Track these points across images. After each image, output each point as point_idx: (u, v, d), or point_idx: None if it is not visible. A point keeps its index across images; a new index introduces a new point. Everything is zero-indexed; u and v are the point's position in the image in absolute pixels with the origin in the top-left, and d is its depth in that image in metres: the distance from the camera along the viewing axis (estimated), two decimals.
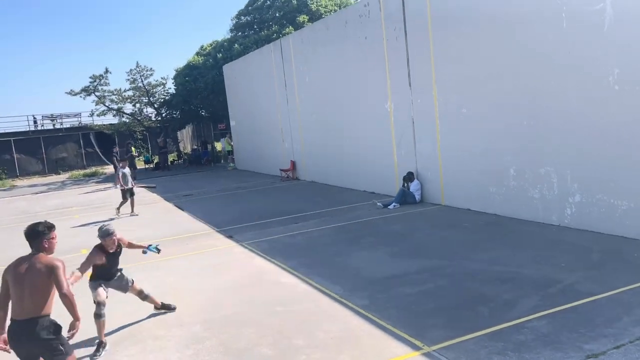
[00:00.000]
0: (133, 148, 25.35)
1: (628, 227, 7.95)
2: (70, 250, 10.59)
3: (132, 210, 14.63)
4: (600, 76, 8.05)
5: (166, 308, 6.59)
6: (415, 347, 5.03)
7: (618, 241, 7.86)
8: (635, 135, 7.70)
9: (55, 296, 4.12)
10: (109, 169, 29.98)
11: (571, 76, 8.51)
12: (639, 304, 5.50)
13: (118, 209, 14.61)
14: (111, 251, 5.95)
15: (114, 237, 5.91)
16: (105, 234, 5.85)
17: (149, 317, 6.50)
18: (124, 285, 6.29)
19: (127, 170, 14.64)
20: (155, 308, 6.59)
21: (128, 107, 32.35)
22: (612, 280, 6.28)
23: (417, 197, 12.30)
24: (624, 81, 7.74)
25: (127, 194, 14.50)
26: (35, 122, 35.28)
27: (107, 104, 31.03)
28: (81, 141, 35.22)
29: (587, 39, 8.18)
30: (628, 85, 7.70)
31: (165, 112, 31.86)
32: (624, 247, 7.54)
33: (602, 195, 8.30)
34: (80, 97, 30.45)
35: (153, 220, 13.47)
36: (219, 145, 33.97)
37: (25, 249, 4.30)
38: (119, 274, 6.24)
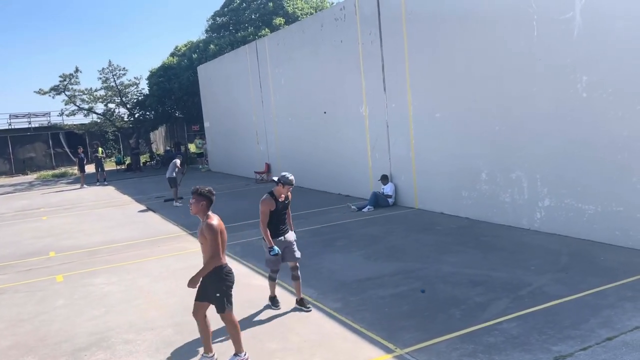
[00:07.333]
0: (100, 149, 24.85)
1: (595, 230, 8.15)
2: (38, 253, 10.32)
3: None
4: (569, 83, 8.24)
5: (302, 305, 6.39)
6: (388, 350, 5.05)
7: (585, 244, 8.05)
8: (602, 142, 7.90)
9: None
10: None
11: (542, 83, 8.70)
12: (606, 306, 5.64)
13: None
14: (280, 200, 6.30)
15: (288, 188, 6.25)
16: (285, 180, 6.20)
17: (119, 321, 6.38)
18: (288, 254, 6.39)
19: None
20: (297, 302, 6.47)
21: (100, 107, 31.83)
22: (580, 282, 6.43)
23: (391, 200, 12.38)
24: (592, 89, 7.94)
25: None
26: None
27: (77, 104, 30.43)
28: (50, 141, 34.44)
29: (557, 47, 8.37)
30: (596, 92, 7.90)
31: (138, 112, 31.40)
32: (591, 251, 7.73)
33: (570, 199, 8.49)
34: (50, 96, 29.80)
35: (125, 222, 13.24)
36: (192, 147, 33.63)
37: None
38: (288, 233, 6.43)
